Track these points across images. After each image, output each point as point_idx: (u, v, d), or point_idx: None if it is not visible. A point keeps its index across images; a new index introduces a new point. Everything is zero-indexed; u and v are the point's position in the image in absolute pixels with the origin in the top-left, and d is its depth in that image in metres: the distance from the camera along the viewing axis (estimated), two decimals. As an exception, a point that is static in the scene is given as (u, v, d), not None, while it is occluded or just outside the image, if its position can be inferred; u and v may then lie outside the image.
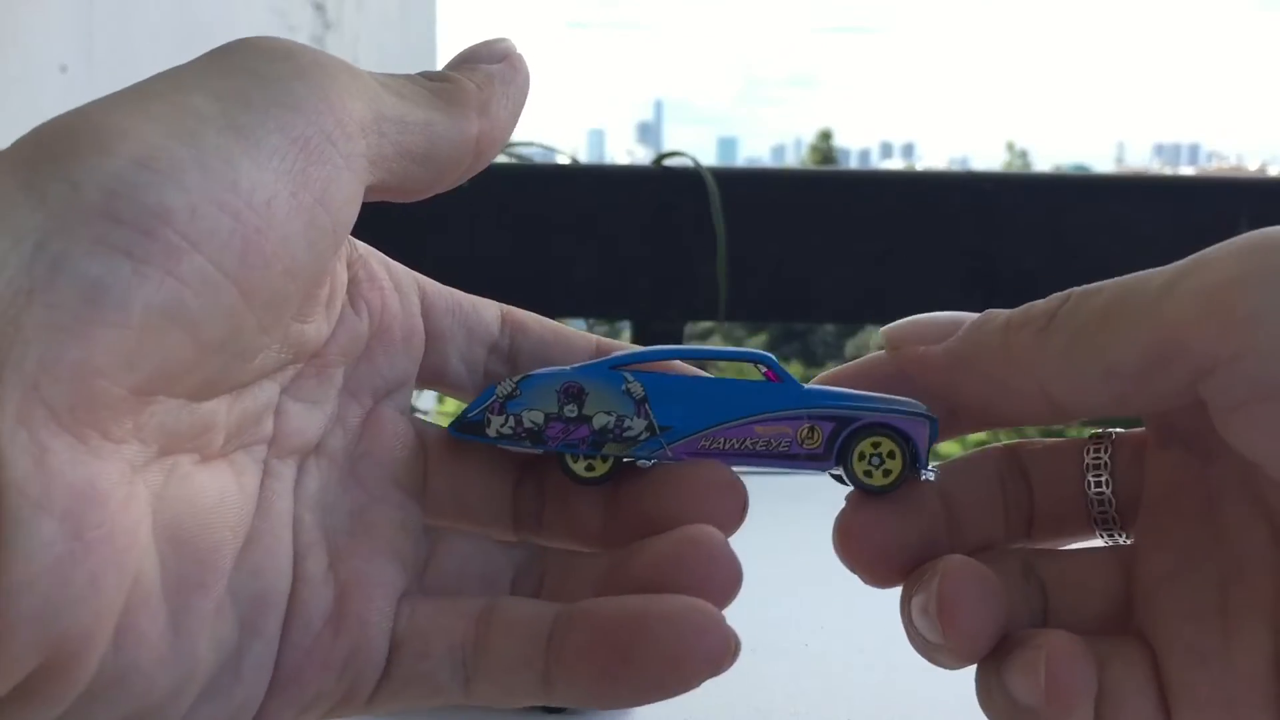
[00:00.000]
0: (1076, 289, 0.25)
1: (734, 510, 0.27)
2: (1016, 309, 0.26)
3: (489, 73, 0.27)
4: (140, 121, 0.21)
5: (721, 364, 0.31)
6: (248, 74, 0.23)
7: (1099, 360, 0.24)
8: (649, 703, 0.24)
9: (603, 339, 0.30)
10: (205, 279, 0.20)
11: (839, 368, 0.30)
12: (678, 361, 0.29)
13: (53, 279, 0.19)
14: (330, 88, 0.23)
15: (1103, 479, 0.29)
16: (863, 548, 0.28)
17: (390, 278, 0.28)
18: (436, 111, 0.26)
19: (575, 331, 0.30)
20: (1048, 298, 0.26)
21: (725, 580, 0.25)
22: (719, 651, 0.24)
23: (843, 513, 0.28)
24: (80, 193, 0.20)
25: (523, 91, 0.28)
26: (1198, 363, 0.23)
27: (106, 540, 0.20)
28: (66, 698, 0.20)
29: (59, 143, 0.21)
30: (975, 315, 0.27)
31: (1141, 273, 0.25)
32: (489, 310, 0.30)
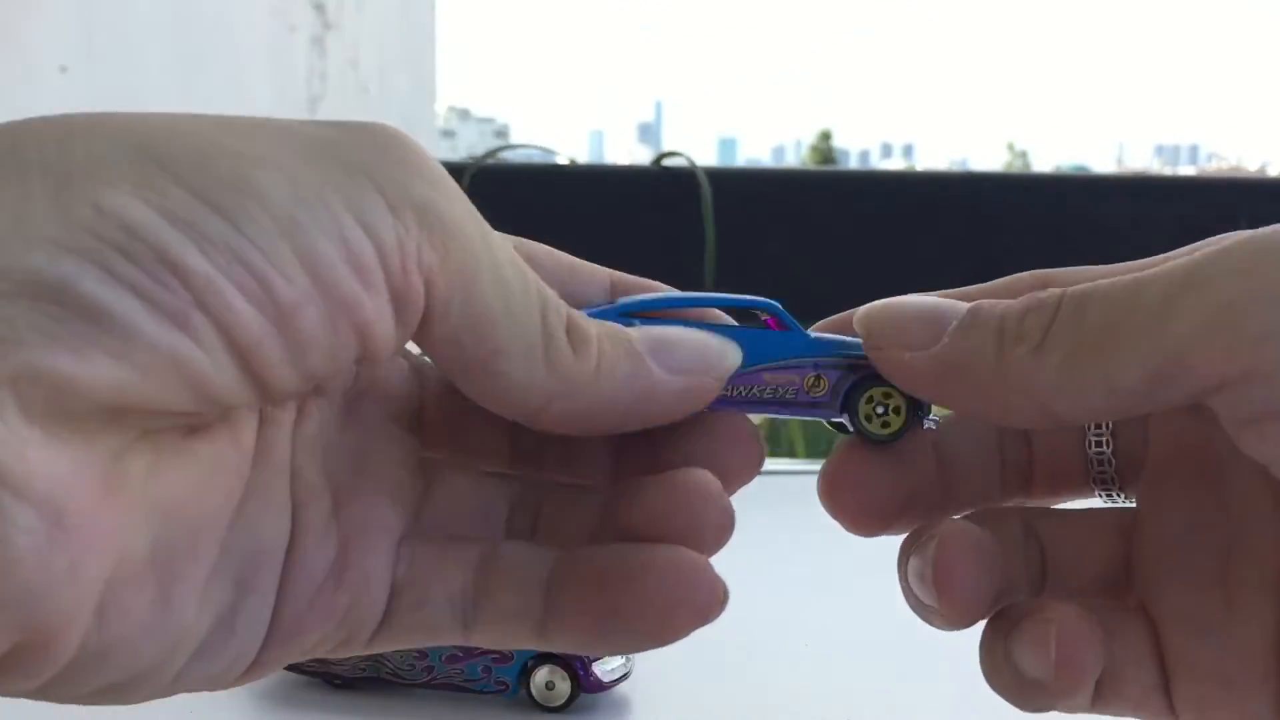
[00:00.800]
0: (1068, 293, 0.24)
1: (749, 460, 0.27)
2: (1008, 313, 0.25)
3: (647, 372, 0.25)
4: (189, 176, 0.20)
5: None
6: (346, 169, 0.21)
7: (1100, 380, 0.23)
8: (641, 651, 0.25)
9: (615, 272, 0.29)
10: (213, 341, 0.20)
11: (841, 314, 0.29)
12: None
13: (59, 292, 0.19)
14: (423, 224, 0.22)
15: (1103, 438, 0.29)
16: (848, 495, 0.28)
17: None
18: (519, 341, 0.23)
19: (589, 265, 0.29)
20: (1038, 300, 0.25)
21: (717, 524, 0.25)
22: (707, 602, 0.24)
23: (830, 459, 0.28)
24: (104, 219, 0.19)
25: (672, 402, 0.25)
26: (1204, 382, 0.23)
27: (89, 526, 0.19)
28: (45, 672, 0.20)
29: (102, 159, 0.20)
30: (959, 306, 0.26)
31: (1134, 278, 0.24)
32: None
